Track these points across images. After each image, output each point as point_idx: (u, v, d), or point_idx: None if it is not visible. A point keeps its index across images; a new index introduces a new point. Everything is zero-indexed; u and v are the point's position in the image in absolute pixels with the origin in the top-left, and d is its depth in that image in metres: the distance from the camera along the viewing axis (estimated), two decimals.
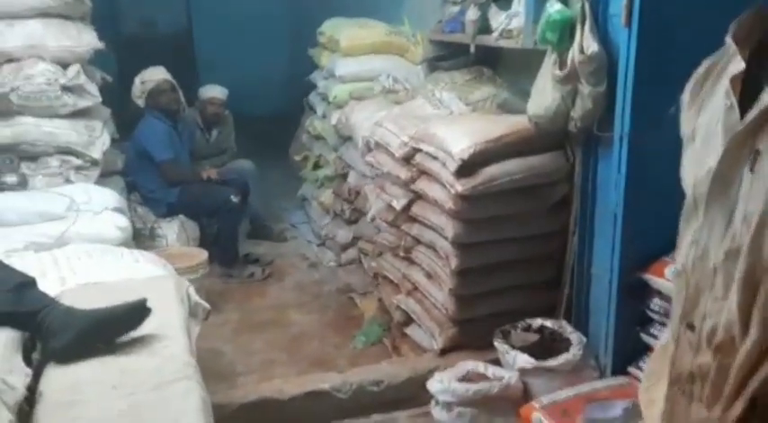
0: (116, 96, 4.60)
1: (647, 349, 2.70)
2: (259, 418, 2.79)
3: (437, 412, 2.75)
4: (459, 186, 2.94)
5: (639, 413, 1.45)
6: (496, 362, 2.93)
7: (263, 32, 7.63)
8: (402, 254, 3.48)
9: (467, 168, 2.95)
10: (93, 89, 3.77)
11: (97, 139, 3.72)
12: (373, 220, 3.91)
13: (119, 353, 2.08)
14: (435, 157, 3.11)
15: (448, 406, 2.71)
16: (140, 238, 4.26)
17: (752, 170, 0.99)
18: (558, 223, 3.10)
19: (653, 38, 2.47)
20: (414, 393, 2.94)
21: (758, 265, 0.98)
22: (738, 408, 1.03)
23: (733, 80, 1.03)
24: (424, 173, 3.26)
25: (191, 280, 3.82)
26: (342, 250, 4.66)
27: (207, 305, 2.64)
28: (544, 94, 2.80)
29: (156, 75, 4.47)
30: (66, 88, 3.58)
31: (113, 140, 4.29)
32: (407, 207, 3.37)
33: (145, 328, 2.16)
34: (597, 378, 2.80)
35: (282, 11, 7.91)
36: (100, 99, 3.78)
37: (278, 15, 7.94)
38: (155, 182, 4.38)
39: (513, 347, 2.87)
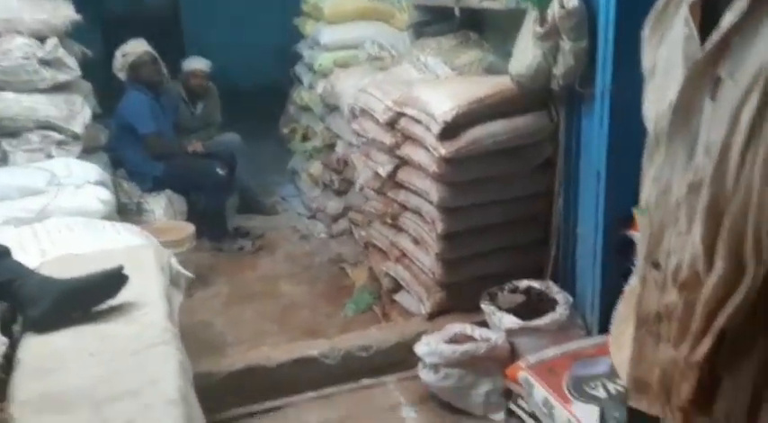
0: (102, 73, 4.54)
1: None
2: (247, 386, 2.78)
3: (424, 374, 2.75)
4: (443, 149, 2.91)
5: None
6: (484, 324, 2.93)
7: (252, 3, 7.51)
8: (389, 221, 3.45)
9: (450, 131, 2.92)
10: (72, 63, 3.73)
11: (78, 113, 3.69)
12: (362, 189, 3.88)
13: (97, 320, 2.07)
14: (419, 121, 3.08)
15: (435, 368, 2.70)
16: (127, 214, 4.23)
17: (713, 98, 0.96)
18: (544, 184, 3.08)
19: None
20: (402, 357, 2.94)
21: (721, 195, 0.95)
22: (706, 344, 1.01)
23: (692, 7, 1.00)
24: (408, 138, 3.22)
25: (178, 254, 3.84)
26: (332, 221, 4.63)
27: (189, 274, 2.63)
28: (525, 53, 2.76)
29: (136, 47, 4.41)
30: (44, 62, 3.54)
31: (97, 116, 4.27)
32: (393, 173, 3.34)
33: (123, 296, 2.15)
34: (584, 337, 2.80)
35: None
36: (79, 73, 3.74)
37: None
38: (139, 156, 4.34)
39: (500, 309, 2.86)
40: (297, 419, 2.76)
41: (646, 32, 1.13)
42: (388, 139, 3.32)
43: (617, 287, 2.73)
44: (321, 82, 4.57)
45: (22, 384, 1.78)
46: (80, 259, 2.42)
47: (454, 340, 2.82)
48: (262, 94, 6.42)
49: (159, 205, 4.29)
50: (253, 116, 5.98)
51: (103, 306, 2.12)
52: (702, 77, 0.97)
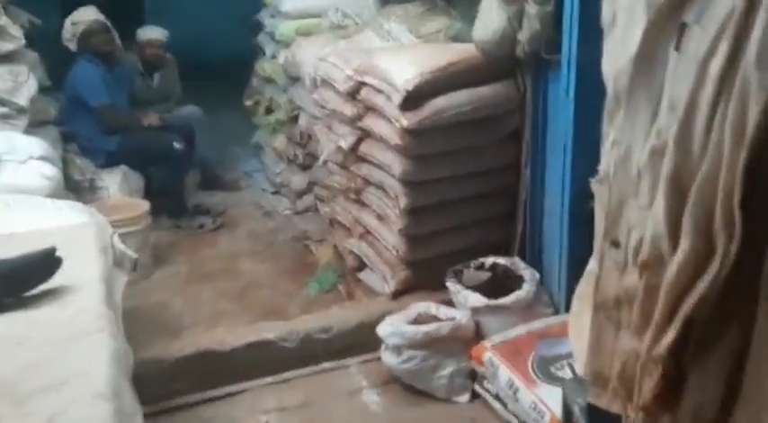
0: (58, 42, 4.31)
1: None
2: (200, 372, 2.65)
3: (387, 356, 2.64)
4: (405, 120, 2.78)
5: None
6: (450, 303, 2.82)
7: None
8: (353, 196, 3.32)
9: (412, 101, 2.79)
10: (16, 32, 3.52)
11: (23, 84, 3.48)
12: (325, 163, 3.74)
13: (28, 306, 1.92)
14: (380, 91, 2.94)
15: (397, 349, 2.59)
16: (80, 191, 4.05)
17: (677, 48, 0.82)
18: (511, 156, 2.97)
19: None
20: (365, 339, 2.81)
21: (687, 160, 0.81)
22: (671, 334, 0.89)
23: None
24: (370, 108, 3.08)
25: (133, 232, 3.69)
26: (297, 197, 4.49)
27: (134, 254, 2.47)
28: (490, 17, 2.63)
29: (86, 15, 4.18)
30: None
31: (47, 88, 4.06)
32: (356, 146, 3.20)
33: (58, 280, 2.00)
34: (551, 315, 2.70)
35: None
36: (23, 42, 3.52)
37: None
38: (92, 130, 4.13)
39: (466, 287, 2.76)
40: (254, 405, 2.64)
41: None
42: (349, 110, 3.18)
43: (584, 264, 2.64)
44: (283, 52, 4.39)
45: None
46: (14, 239, 2.25)
47: (418, 320, 2.71)
48: (228, 65, 6.20)
49: (114, 181, 4.10)
50: (219, 88, 5.77)
51: (35, 291, 1.97)
52: (666, 24, 0.84)
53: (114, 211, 3.70)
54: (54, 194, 3.07)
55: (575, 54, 2.42)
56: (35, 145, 3.22)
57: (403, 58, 2.93)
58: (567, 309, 2.70)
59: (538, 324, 2.59)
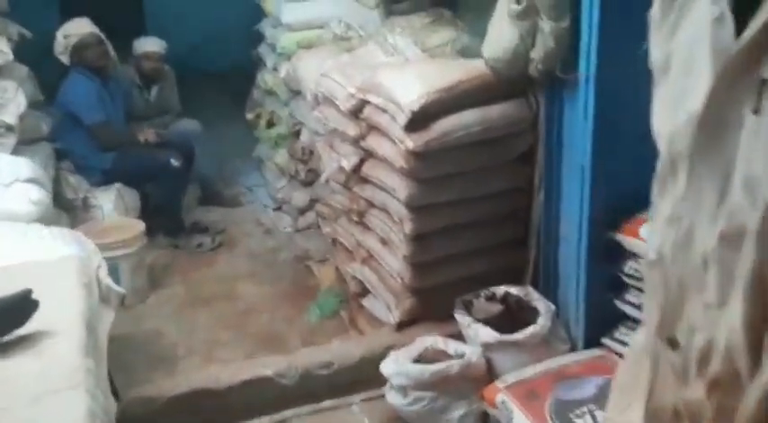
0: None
1: (622, 318, 2.42)
2: (193, 412, 2.49)
3: (392, 397, 2.47)
4: (411, 142, 2.62)
5: None
6: (458, 335, 2.65)
7: None
8: (355, 218, 3.15)
9: (418, 121, 2.63)
10: (2, 45, 3.38)
11: (11, 101, 3.34)
12: (327, 181, 3.57)
13: None
14: (384, 110, 2.77)
15: (403, 390, 2.42)
16: (73, 210, 3.92)
17: (755, 111, 0.65)
18: (523, 179, 2.80)
19: None
20: (369, 375, 2.64)
21: None
22: None
23: None
24: (373, 128, 2.91)
25: (127, 255, 3.54)
26: (299, 214, 4.31)
27: (121, 290, 2.32)
28: (500, 34, 2.46)
29: (79, 28, 4.02)
30: None
31: (39, 102, 3.91)
32: (358, 167, 3.04)
33: (34, 324, 1.84)
34: (567, 351, 2.52)
35: None
36: (11, 56, 3.37)
37: None
38: (86, 147, 3.97)
39: (476, 320, 2.58)
40: None
41: (655, 12, 0.81)
42: (351, 129, 3.01)
43: (604, 296, 2.48)
44: (284, 65, 4.23)
45: None
46: None
47: (425, 356, 2.54)
48: (230, 76, 6.05)
49: (108, 200, 3.94)
50: (222, 100, 5.62)
51: (8, 337, 1.81)
52: (740, 79, 0.66)
53: (107, 232, 3.56)
54: (41, 219, 2.92)
55: (593, 74, 2.24)
56: (22, 166, 3.07)
57: (408, 76, 2.76)
58: (586, 345, 2.54)
59: (553, 363, 2.41)
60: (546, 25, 2.32)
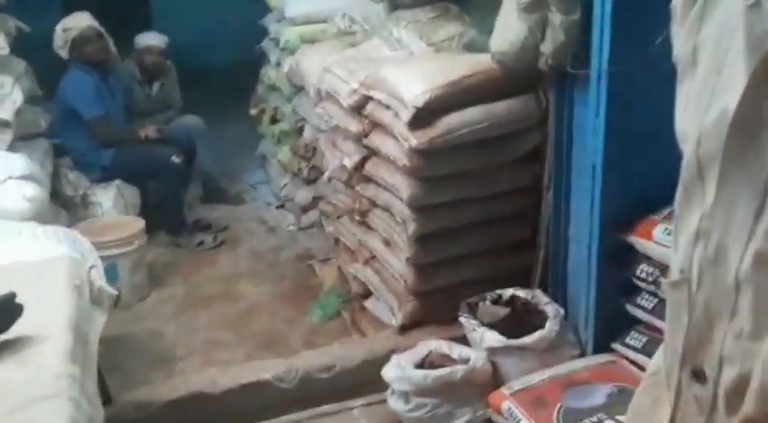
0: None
1: (633, 323, 2.33)
2: (190, 417, 2.41)
3: (393, 402, 2.39)
4: (414, 139, 2.53)
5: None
6: (463, 339, 2.56)
7: None
8: (358, 218, 3.07)
9: (422, 118, 2.54)
10: None
11: (6, 96, 3.26)
12: (330, 179, 3.49)
13: None
14: (387, 106, 2.69)
15: (405, 396, 2.34)
16: (72, 208, 3.86)
17: None
18: (530, 178, 2.71)
19: None
20: (370, 379, 2.55)
21: None
22: None
23: None
24: (376, 125, 2.83)
25: (126, 253, 3.47)
26: (302, 212, 4.25)
27: (113, 291, 2.24)
28: (508, 26, 2.37)
29: (79, 21, 3.94)
30: None
31: (38, 97, 3.84)
32: (361, 165, 2.95)
33: (18, 329, 1.76)
34: (577, 356, 2.44)
35: None
36: (7, 50, 3.30)
37: None
38: (86, 143, 3.90)
39: (481, 324, 2.50)
40: None
41: (678, 1, 0.72)
42: (354, 126, 2.93)
43: (614, 300, 2.39)
44: (288, 60, 4.14)
45: None
46: None
47: (429, 360, 2.46)
48: (233, 71, 5.98)
49: (108, 197, 3.88)
50: (226, 96, 5.54)
51: None
52: None
53: (106, 230, 3.49)
54: (37, 217, 2.85)
55: (606, 69, 2.15)
56: (16, 162, 3.00)
57: (412, 71, 2.68)
58: (595, 350, 2.45)
59: (562, 368, 2.32)
60: (556, 18, 2.23)
